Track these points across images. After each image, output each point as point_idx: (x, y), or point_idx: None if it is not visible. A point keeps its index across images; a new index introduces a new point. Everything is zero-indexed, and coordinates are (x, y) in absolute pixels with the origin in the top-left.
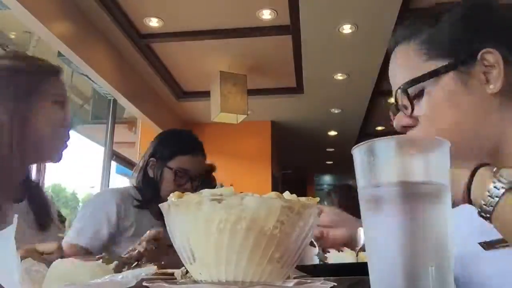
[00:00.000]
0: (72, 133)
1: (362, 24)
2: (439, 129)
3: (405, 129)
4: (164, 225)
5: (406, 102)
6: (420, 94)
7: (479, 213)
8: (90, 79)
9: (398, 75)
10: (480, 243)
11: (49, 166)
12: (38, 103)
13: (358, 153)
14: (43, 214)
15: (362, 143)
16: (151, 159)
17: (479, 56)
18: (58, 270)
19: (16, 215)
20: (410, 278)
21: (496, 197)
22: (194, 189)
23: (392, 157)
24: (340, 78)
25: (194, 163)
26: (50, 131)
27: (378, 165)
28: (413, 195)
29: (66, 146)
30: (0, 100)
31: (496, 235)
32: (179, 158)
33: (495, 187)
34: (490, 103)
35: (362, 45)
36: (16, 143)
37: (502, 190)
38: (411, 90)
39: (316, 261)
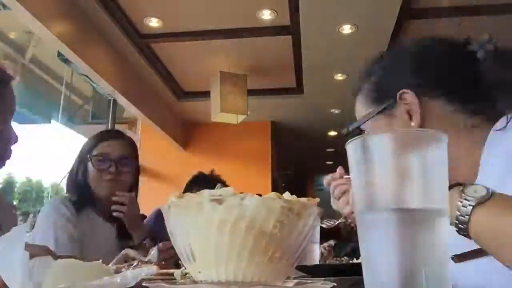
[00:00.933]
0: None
1: (362, 25)
2: None
3: None
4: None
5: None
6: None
7: (458, 232)
8: (90, 79)
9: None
10: (451, 257)
11: (49, 166)
12: None
13: (352, 148)
14: None
15: (356, 137)
16: (75, 162)
17: (398, 98)
18: (57, 270)
19: (31, 215)
20: (405, 283)
21: (467, 215)
22: (120, 174)
23: (387, 152)
24: (340, 78)
25: (113, 146)
26: None
27: (372, 161)
28: (409, 222)
29: (8, 156)
30: None
31: (467, 248)
32: (97, 147)
33: (463, 206)
34: None
35: (362, 45)
36: None
37: (470, 208)
38: (356, 133)
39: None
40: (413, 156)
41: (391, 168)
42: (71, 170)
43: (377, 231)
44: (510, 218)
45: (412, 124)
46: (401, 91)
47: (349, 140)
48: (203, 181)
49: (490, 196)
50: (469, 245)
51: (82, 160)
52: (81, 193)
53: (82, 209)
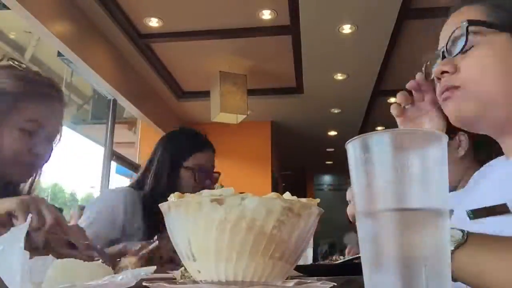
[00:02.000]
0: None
1: (362, 24)
2: (482, 90)
3: (442, 75)
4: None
5: (457, 43)
6: (466, 44)
7: None
8: (90, 79)
9: (456, 24)
10: (467, 212)
11: (48, 166)
12: (4, 128)
13: (352, 148)
14: None
15: (356, 137)
16: (165, 159)
17: None
18: (58, 270)
19: (30, 215)
20: (404, 279)
21: None
22: (211, 185)
23: (387, 152)
24: (340, 78)
25: (209, 159)
26: (11, 158)
27: (372, 161)
28: (409, 221)
29: (35, 171)
30: None
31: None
32: (196, 155)
33: None
34: None
35: (362, 45)
36: None
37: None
38: (463, 36)
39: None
40: (413, 156)
41: (391, 168)
42: (156, 172)
43: (377, 230)
44: (489, 255)
45: None
46: None
47: (350, 140)
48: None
49: (466, 238)
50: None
51: (175, 166)
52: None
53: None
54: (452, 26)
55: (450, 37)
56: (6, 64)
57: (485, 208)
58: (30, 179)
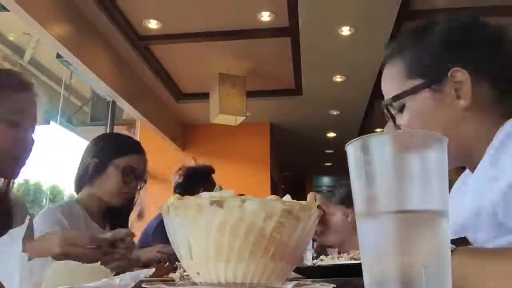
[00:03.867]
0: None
1: (361, 26)
2: None
3: None
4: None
5: (389, 114)
6: (402, 108)
7: None
8: (89, 81)
9: (385, 91)
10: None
11: (47, 168)
12: None
13: (352, 149)
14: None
15: (356, 138)
16: (93, 159)
17: (449, 74)
18: (56, 272)
19: (28, 216)
20: (405, 280)
21: None
22: (135, 189)
23: (387, 154)
24: (339, 80)
25: (140, 162)
26: (1, 152)
27: (372, 163)
28: (409, 223)
29: (24, 164)
30: None
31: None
32: (128, 156)
33: None
34: (462, 117)
35: (361, 47)
36: None
37: None
38: (396, 105)
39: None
40: (413, 157)
41: (391, 169)
42: (85, 168)
43: (377, 232)
44: (474, 262)
45: (462, 102)
46: (454, 69)
47: (349, 142)
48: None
49: (452, 251)
50: None
51: (103, 162)
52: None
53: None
54: (385, 86)
55: (384, 105)
56: None
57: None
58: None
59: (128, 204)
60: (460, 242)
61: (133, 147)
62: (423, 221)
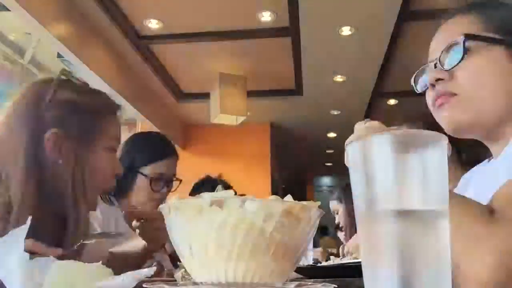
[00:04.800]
0: None
1: (362, 26)
2: (478, 99)
3: (436, 82)
4: None
5: (453, 54)
6: (464, 57)
7: None
8: (89, 81)
9: (451, 34)
10: None
11: None
12: (96, 148)
13: (352, 149)
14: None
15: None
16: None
17: None
18: (58, 272)
19: (29, 217)
20: (405, 280)
21: None
22: (168, 192)
23: (387, 154)
24: (340, 80)
25: (169, 166)
26: (101, 180)
27: (372, 163)
28: (409, 223)
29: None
30: (64, 139)
31: None
32: (155, 164)
33: None
34: None
35: (361, 47)
36: (73, 188)
37: None
38: (467, 45)
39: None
40: (413, 157)
41: (391, 170)
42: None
43: (377, 232)
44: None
45: None
46: None
47: (349, 142)
48: (210, 185)
49: None
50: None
51: (133, 173)
52: (120, 198)
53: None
54: (446, 35)
55: (444, 48)
56: (65, 79)
57: None
58: None
59: None
60: None
61: (162, 153)
62: (423, 221)
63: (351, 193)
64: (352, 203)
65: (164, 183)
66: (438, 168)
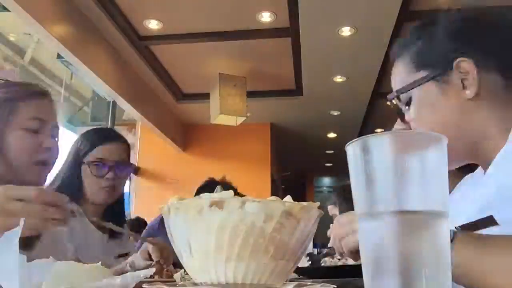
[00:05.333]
0: (71, 135)
1: (362, 27)
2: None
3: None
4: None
5: (397, 109)
6: (409, 102)
7: None
8: (89, 81)
9: (394, 86)
10: (458, 227)
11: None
12: (12, 128)
13: (352, 150)
14: None
15: (356, 139)
16: (68, 159)
17: (454, 65)
18: (57, 272)
19: (23, 218)
20: (405, 281)
21: None
22: (116, 180)
23: (387, 154)
24: (340, 80)
25: (111, 150)
26: (25, 159)
27: (372, 163)
28: (409, 224)
29: (48, 169)
30: None
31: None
32: (94, 151)
33: None
34: (469, 108)
35: (361, 47)
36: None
37: None
38: (403, 98)
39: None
40: (413, 158)
41: (391, 170)
42: (65, 173)
43: (377, 232)
44: (475, 252)
45: (467, 92)
46: (458, 59)
47: (349, 142)
48: (214, 188)
49: (453, 237)
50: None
51: (77, 162)
52: (75, 198)
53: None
54: (393, 81)
55: (391, 99)
56: None
57: (472, 223)
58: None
59: (117, 199)
60: (486, 222)
61: (100, 138)
62: (423, 222)
63: (345, 195)
64: (347, 205)
65: (108, 168)
66: (437, 168)
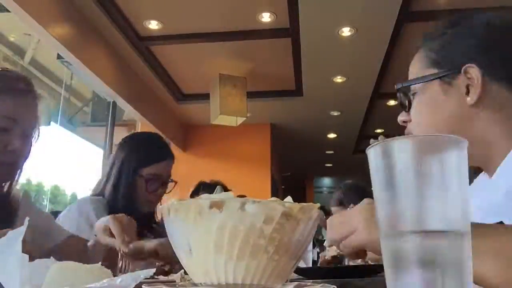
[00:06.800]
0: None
1: (362, 27)
2: (420, 130)
3: (404, 123)
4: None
5: (403, 100)
6: (413, 96)
7: None
8: (89, 81)
9: (409, 76)
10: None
11: (49, 169)
12: None
13: (373, 153)
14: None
15: (376, 142)
16: (123, 167)
17: (462, 70)
18: (57, 272)
19: (27, 218)
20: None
21: None
22: (163, 194)
23: (408, 158)
24: (340, 80)
25: (166, 168)
26: None
27: (393, 167)
28: (431, 242)
29: (16, 168)
30: None
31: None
32: (152, 165)
33: None
34: (469, 113)
35: (361, 47)
36: None
37: None
38: (408, 92)
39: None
40: (434, 163)
41: (412, 174)
42: (124, 186)
43: (398, 250)
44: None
45: (468, 99)
46: (467, 64)
47: (370, 145)
48: (206, 189)
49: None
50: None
51: (135, 175)
52: (124, 206)
53: None
54: (411, 65)
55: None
56: None
57: None
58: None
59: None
60: None
61: (159, 154)
62: (445, 240)
63: (352, 194)
64: (355, 203)
65: (160, 184)
66: (457, 172)
